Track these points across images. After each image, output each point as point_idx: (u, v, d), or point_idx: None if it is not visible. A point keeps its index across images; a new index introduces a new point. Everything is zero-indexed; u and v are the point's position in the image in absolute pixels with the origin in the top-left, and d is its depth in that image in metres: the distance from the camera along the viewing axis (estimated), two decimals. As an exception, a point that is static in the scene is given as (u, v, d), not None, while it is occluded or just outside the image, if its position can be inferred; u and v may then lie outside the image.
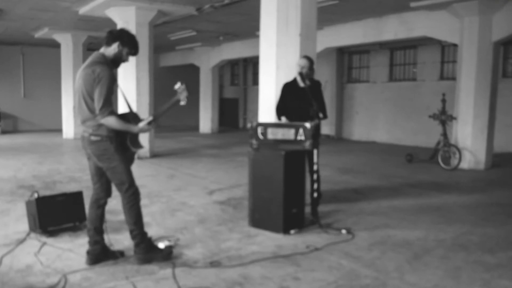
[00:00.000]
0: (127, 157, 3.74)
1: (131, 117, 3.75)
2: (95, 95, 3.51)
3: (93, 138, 3.60)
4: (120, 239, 4.31)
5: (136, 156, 4.01)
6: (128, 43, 3.68)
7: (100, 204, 3.86)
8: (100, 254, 3.81)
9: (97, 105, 3.50)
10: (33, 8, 10.58)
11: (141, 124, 3.67)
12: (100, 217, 3.85)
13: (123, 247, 4.11)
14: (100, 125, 3.56)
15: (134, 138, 3.76)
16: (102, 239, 3.86)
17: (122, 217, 4.83)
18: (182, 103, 3.82)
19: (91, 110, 3.56)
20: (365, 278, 3.57)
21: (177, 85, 3.82)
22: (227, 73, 22.23)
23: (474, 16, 9.08)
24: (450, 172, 8.97)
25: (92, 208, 3.86)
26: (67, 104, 14.97)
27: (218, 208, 5.81)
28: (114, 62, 3.71)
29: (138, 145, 3.81)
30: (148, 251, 3.80)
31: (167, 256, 3.88)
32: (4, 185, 7.13)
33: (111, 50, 3.66)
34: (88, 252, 3.80)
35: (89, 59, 3.67)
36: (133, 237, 3.79)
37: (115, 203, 5.11)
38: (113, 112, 3.55)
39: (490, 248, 4.35)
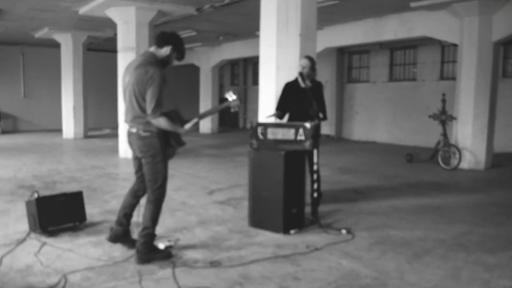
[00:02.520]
0: (170, 154, 3.91)
1: (174, 115, 3.85)
2: (147, 95, 3.62)
3: (143, 133, 3.73)
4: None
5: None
6: (179, 48, 3.85)
7: (138, 195, 4.08)
8: (120, 236, 4.05)
9: (149, 106, 3.62)
10: (33, 8, 10.57)
11: (187, 126, 3.81)
12: (133, 206, 4.09)
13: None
14: (150, 122, 3.69)
15: (177, 136, 3.90)
16: (128, 224, 4.09)
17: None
18: (233, 110, 4.05)
19: (142, 109, 3.68)
20: (365, 278, 3.57)
21: (230, 95, 4.00)
22: (227, 73, 22.23)
23: (474, 16, 9.08)
24: (450, 172, 8.97)
25: (129, 196, 4.09)
26: (67, 104, 14.97)
27: (218, 208, 5.81)
28: (162, 64, 3.84)
29: (181, 143, 3.94)
30: (148, 251, 3.83)
31: (167, 256, 3.89)
32: (4, 185, 7.13)
33: (162, 52, 3.81)
34: (111, 229, 4.09)
35: (141, 58, 3.79)
36: (143, 234, 3.82)
37: (114, 203, 5.14)
38: (163, 113, 3.67)
39: (490, 248, 4.35)
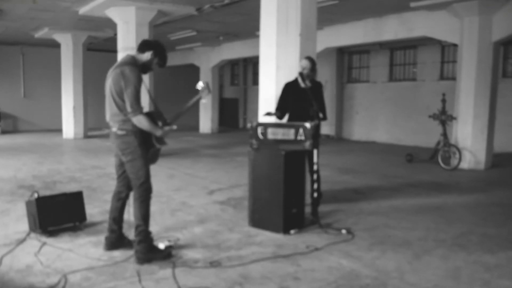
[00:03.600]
0: (151, 154, 3.94)
1: (156, 115, 3.94)
2: (124, 95, 3.72)
3: (119, 132, 3.81)
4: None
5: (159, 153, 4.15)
6: (160, 54, 3.96)
7: (120, 197, 4.11)
8: (116, 242, 4.08)
9: (129, 104, 3.70)
10: (33, 8, 10.57)
11: (166, 128, 3.86)
12: (119, 209, 4.10)
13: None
14: (126, 120, 3.77)
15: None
16: (120, 228, 4.13)
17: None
18: (204, 101, 4.13)
19: (120, 108, 3.77)
20: (365, 278, 3.57)
21: (199, 84, 4.12)
22: (227, 73, 22.23)
23: (474, 16, 9.08)
24: (450, 172, 8.97)
25: (113, 200, 4.13)
26: (67, 104, 14.97)
27: (218, 208, 5.81)
28: (143, 68, 3.95)
29: (163, 142, 3.96)
30: (148, 251, 3.84)
31: (167, 256, 3.90)
32: (4, 185, 7.13)
33: (144, 57, 3.93)
34: (106, 238, 4.12)
35: (120, 60, 3.92)
36: (138, 233, 3.86)
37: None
38: (142, 111, 3.75)
39: (490, 248, 4.35)
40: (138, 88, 3.72)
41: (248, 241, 4.45)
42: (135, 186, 3.88)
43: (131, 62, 3.84)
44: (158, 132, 3.82)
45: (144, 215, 3.86)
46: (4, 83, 17.64)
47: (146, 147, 3.87)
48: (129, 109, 3.70)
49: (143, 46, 3.94)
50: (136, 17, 9.85)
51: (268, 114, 5.34)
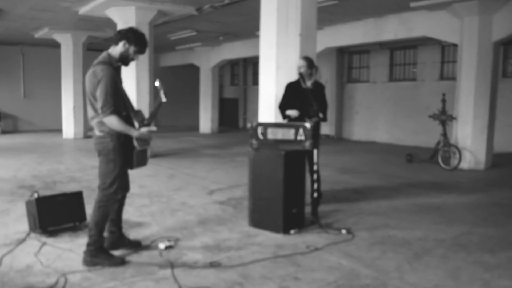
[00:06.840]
0: (135, 156, 3.77)
1: (135, 115, 3.80)
2: (97, 94, 3.57)
3: (97, 133, 3.71)
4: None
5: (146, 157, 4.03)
6: (134, 41, 3.71)
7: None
8: (116, 242, 4.04)
9: (99, 103, 3.56)
10: (33, 8, 10.58)
11: (143, 129, 3.69)
12: (117, 211, 4.03)
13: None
14: (103, 122, 3.63)
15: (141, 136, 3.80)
16: (119, 229, 4.10)
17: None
18: (163, 100, 3.84)
19: (95, 109, 3.66)
20: (365, 278, 3.57)
21: (157, 83, 3.92)
22: (227, 73, 22.23)
23: (474, 16, 9.08)
24: (450, 172, 8.96)
25: None
26: (67, 104, 14.97)
27: (218, 208, 5.81)
28: (122, 61, 3.77)
29: (144, 143, 3.80)
30: (94, 256, 3.70)
31: (117, 263, 3.74)
32: (4, 185, 7.12)
33: (118, 49, 3.72)
34: (106, 239, 3.99)
35: (96, 60, 3.74)
36: (89, 236, 3.75)
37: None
38: (115, 111, 3.57)
39: (490, 248, 4.35)
40: (110, 88, 3.53)
41: (248, 241, 4.45)
42: (99, 189, 3.75)
43: (104, 60, 3.65)
44: (134, 133, 3.65)
45: (98, 222, 3.71)
46: (4, 83, 17.63)
47: (124, 151, 3.71)
48: (99, 109, 3.55)
49: (115, 38, 3.72)
50: (136, 17, 9.84)
51: (286, 116, 5.29)
